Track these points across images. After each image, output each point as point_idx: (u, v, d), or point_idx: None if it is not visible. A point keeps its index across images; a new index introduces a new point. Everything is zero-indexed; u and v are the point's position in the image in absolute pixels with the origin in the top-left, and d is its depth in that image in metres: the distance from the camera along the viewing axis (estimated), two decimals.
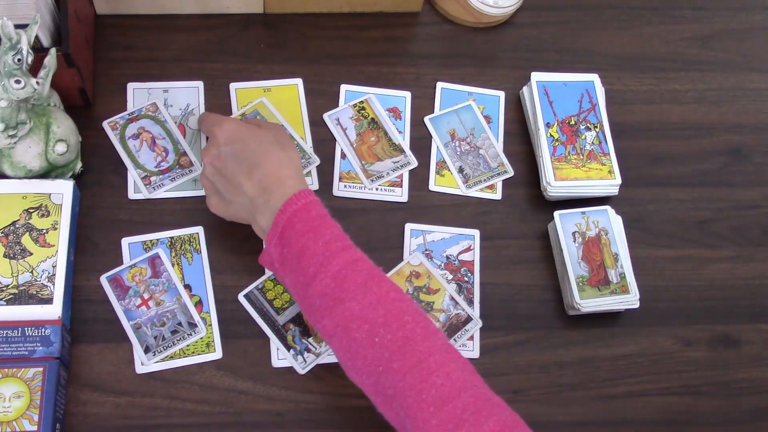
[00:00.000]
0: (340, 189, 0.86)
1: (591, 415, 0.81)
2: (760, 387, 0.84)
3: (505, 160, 0.90)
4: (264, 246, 0.74)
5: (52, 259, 0.76)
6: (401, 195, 0.87)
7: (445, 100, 0.92)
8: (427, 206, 0.87)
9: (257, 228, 0.75)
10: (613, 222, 0.85)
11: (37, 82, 0.72)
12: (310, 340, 0.79)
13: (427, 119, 0.91)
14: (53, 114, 0.78)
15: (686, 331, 0.85)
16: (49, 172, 0.79)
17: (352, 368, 0.68)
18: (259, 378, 0.78)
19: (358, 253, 0.70)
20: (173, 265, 0.81)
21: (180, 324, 0.78)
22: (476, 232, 0.86)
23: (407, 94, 0.92)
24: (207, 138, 0.84)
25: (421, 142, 0.90)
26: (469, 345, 0.81)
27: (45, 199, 0.78)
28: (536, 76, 0.91)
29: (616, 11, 1.01)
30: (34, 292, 0.75)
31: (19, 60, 0.71)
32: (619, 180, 0.87)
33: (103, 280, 0.79)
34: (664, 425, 0.81)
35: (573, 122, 0.89)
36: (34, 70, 0.74)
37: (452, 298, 0.83)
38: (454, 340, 0.81)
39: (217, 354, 0.78)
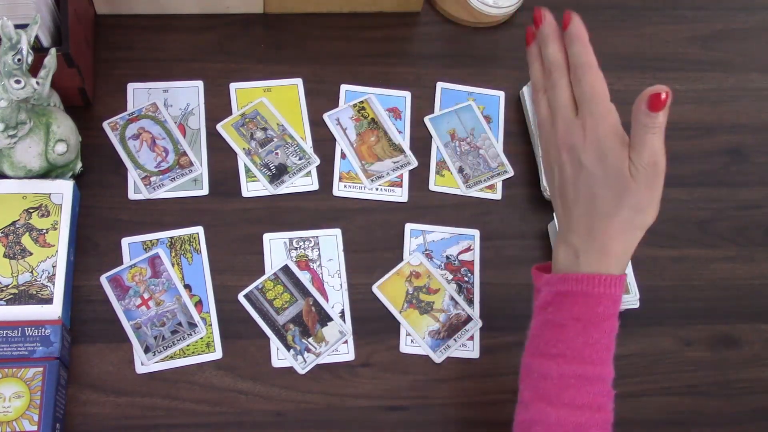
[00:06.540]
0: (340, 189, 0.86)
1: None
2: (760, 387, 0.84)
3: (505, 160, 0.90)
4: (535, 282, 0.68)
5: (52, 259, 0.76)
6: (401, 195, 0.87)
7: (445, 100, 0.92)
8: (427, 206, 0.87)
9: (558, 237, 0.65)
10: None
11: (37, 82, 0.72)
12: (310, 340, 0.79)
13: (427, 119, 0.91)
14: (53, 114, 0.78)
15: (686, 331, 0.85)
16: (49, 172, 0.79)
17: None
18: (259, 378, 0.78)
19: (606, 370, 0.63)
20: (173, 265, 0.80)
21: (180, 324, 0.78)
22: (476, 232, 0.86)
23: (407, 94, 0.92)
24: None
25: (421, 142, 0.90)
26: (469, 345, 0.81)
27: (45, 199, 0.78)
28: None
29: (616, 11, 1.01)
30: (34, 292, 0.75)
31: (19, 60, 0.71)
32: None
33: (103, 280, 0.79)
34: (664, 425, 0.81)
35: None
36: (34, 70, 0.74)
37: (452, 298, 0.83)
38: (454, 340, 0.81)
39: (217, 354, 0.78)
